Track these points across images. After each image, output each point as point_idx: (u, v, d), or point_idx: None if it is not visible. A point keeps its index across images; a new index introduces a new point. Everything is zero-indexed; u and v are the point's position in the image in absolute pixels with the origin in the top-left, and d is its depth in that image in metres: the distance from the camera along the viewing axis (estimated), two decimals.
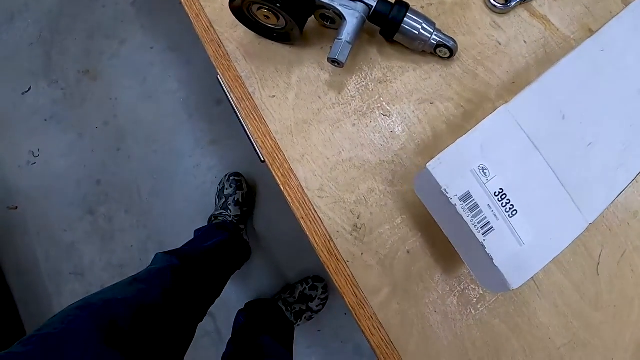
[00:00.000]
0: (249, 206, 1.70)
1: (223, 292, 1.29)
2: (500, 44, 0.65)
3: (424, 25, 0.59)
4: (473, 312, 0.57)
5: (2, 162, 1.86)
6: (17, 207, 1.81)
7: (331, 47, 0.57)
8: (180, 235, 1.55)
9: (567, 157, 0.49)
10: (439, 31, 0.61)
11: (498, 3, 0.66)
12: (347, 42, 0.56)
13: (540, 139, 0.49)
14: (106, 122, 1.83)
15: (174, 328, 0.95)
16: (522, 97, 0.50)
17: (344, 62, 0.57)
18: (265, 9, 0.56)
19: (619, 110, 0.52)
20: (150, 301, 0.91)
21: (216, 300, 1.23)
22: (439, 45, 0.60)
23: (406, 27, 0.59)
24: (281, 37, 0.63)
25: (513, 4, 0.66)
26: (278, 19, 0.57)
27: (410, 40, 0.60)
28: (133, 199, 1.78)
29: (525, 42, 0.66)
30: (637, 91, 0.53)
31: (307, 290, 1.59)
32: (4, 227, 1.80)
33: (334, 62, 0.57)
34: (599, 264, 0.60)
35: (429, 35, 0.59)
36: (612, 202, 0.49)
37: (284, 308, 1.54)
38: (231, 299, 1.61)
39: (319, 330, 1.64)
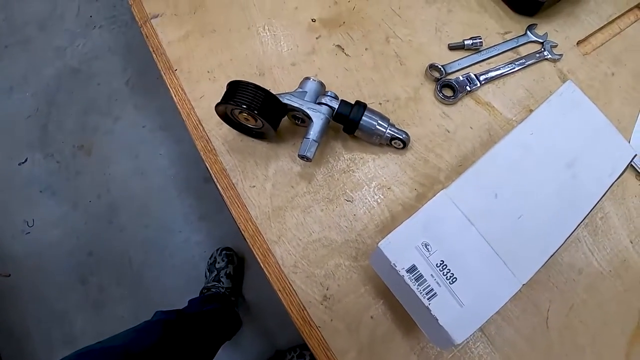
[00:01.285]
0: (239, 279, 1.74)
1: None
2: (449, 132, 0.74)
3: (379, 121, 0.68)
4: None
5: None
6: (9, 275, 1.83)
7: (301, 144, 0.65)
8: (170, 306, 1.54)
9: (500, 229, 0.56)
10: (393, 125, 0.69)
11: (447, 96, 0.76)
12: (314, 140, 0.65)
13: (475, 216, 0.56)
14: (99, 195, 1.88)
15: None
16: (458, 182, 0.59)
17: (311, 158, 0.65)
18: (245, 113, 0.64)
19: (548, 184, 0.60)
20: (140, 350, 0.96)
21: None
22: (393, 138, 0.69)
23: (364, 124, 0.67)
24: (259, 135, 0.71)
25: (460, 95, 0.75)
26: (256, 121, 0.66)
27: (369, 135, 0.69)
28: (124, 271, 1.80)
29: (471, 127, 0.75)
30: (564, 165, 0.61)
31: (295, 358, 1.61)
32: None
33: (303, 157, 0.65)
34: (547, 318, 0.66)
35: (384, 130, 0.68)
36: (544, 264, 0.56)
37: None
38: None
39: None
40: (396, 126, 0.70)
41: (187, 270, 1.80)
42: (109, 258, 1.83)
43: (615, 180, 0.63)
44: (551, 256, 0.57)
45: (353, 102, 0.68)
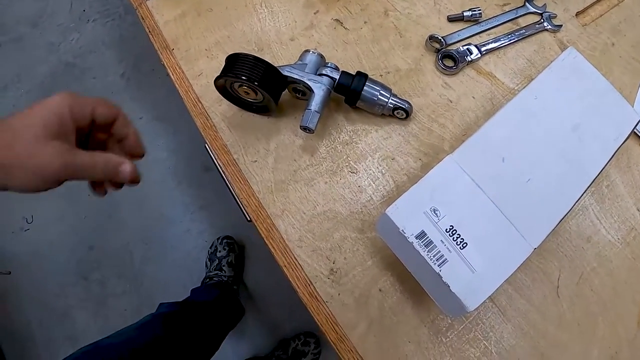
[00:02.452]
0: (240, 268, 1.74)
1: (218, 352, 1.30)
2: (451, 102, 0.74)
3: (381, 92, 0.67)
4: (444, 339, 0.62)
5: None
6: (10, 272, 1.81)
7: (302, 116, 0.64)
8: (173, 299, 1.54)
9: (509, 193, 0.56)
10: (395, 96, 0.69)
11: (448, 66, 0.75)
12: (316, 111, 0.64)
13: (483, 180, 0.56)
14: None
15: None
16: (464, 147, 0.58)
17: (313, 129, 0.64)
18: (245, 86, 0.63)
19: (554, 148, 0.60)
20: (146, 344, 0.97)
21: None
22: (396, 108, 0.69)
23: (366, 94, 0.67)
24: (260, 109, 0.70)
25: (461, 65, 0.75)
26: (256, 94, 0.65)
27: (371, 106, 0.68)
28: (125, 265, 1.80)
29: (473, 97, 0.75)
30: (570, 129, 0.61)
31: (300, 346, 1.61)
32: None
33: (305, 129, 0.64)
34: (558, 287, 0.66)
35: (386, 100, 0.68)
36: (555, 227, 0.55)
37: None
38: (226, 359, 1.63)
39: None
40: (398, 96, 0.70)
41: (188, 261, 1.79)
42: (110, 252, 1.82)
43: (621, 145, 0.62)
44: (560, 221, 0.56)
45: (354, 73, 0.68)
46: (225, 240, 1.73)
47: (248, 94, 0.65)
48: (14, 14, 2.21)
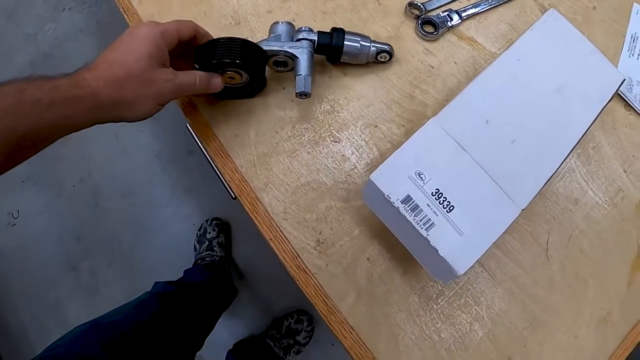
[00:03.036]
0: (228, 248, 1.74)
1: (212, 334, 1.31)
2: (433, 67, 0.73)
3: (361, 41, 0.67)
4: (435, 306, 0.62)
5: None
6: None
7: (296, 83, 0.63)
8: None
9: (494, 154, 0.55)
10: (375, 41, 0.69)
11: (428, 32, 0.74)
12: (307, 75, 0.63)
13: (468, 142, 0.55)
14: (82, 179, 1.86)
15: (171, 349, 1.00)
16: (447, 110, 0.57)
17: (310, 92, 0.63)
18: (230, 71, 0.61)
19: (538, 109, 0.59)
20: (146, 321, 0.97)
21: (205, 342, 1.24)
22: (379, 52, 0.68)
23: (348, 47, 0.66)
24: (244, 93, 0.68)
25: (441, 31, 0.74)
26: (241, 76, 0.62)
27: (354, 57, 0.68)
28: (114, 252, 1.79)
29: (455, 62, 0.74)
30: (554, 89, 0.60)
31: (293, 324, 1.62)
32: None
33: (301, 94, 0.63)
34: (547, 249, 0.66)
35: (369, 46, 0.67)
36: (542, 188, 0.55)
37: (272, 344, 1.56)
38: (220, 340, 1.62)
39: None
40: (377, 41, 0.69)
41: (178, 245, 1.79)
42: (98, 241, 1.81)
43: (605, 106, 0.61)
44: (547, 181, 0.56)
45: (329, 31, 0.67)
46: (214, 222, 1.73)
47: (233, 79, 0.63)
48: None
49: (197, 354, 1.16)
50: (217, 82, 0.60)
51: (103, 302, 1.73)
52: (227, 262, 1.70)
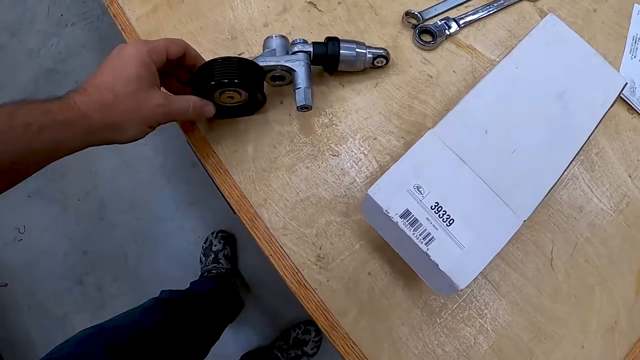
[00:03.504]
0: (234, 260, 1.74)
1: (218, 346, 1.30)
2: (431, 77, 0.73)
3: (356, 48, 0.67)
4: (438, 320, 0.61)
5: None
6: (6, 284, 1.81)
7: (295, 97, 0.63)
8: None
9: (494, 165, 0.54)
10: (370, 47, 0.68)
11: (426, 41, 0.73)
12: (306, 87, 0.63)
13: (467, 153, 0.54)
14: (87, 193, 1.86)
15: (176, 356, 1.00)
16: (446, 121, 0.56)
17: (311, 104, 0.63)
18: (228, 91, 0.60)
19: (539, 117, 0.58)
20: (152, 326, 0.97)
21: (212, 354, 1.23)
22: (375, 57, 0.68)
23: (344, 55, 0.66)
24: (243, 111, 0.68)
25: (439, 39, 0.74)
26: (240, 95, 0.62)
27: (352, 64, 0.68)
28: (120, 266, 1.79)
29: (454, 71, 0.73)
30: (554, 96, 0.59)
31: (300, 334, 1.61)
32: None
33: (303, 108, 0.63)
34: (552, 259, 0.65)
35: (365, 52, 0.67)
36: (544, 198, 0.54)
37: (279, 355, 1.55)
38: (227, 352, 1.61)
39: None
40: (372, 46, 0.69)
41: (183, 258, 1.78)
42: (104, 255, 1.81)
43: (607, 110, 0.61)
44: (549, 191, 0.55)
45: (324, 41, 0.67)
46: (220, 234, 1.73)
47: (232, 98, 0.63)
48: None
49: None
50: (209, 109, 0.60)
51: (109, 316, 1.70)
52: (234, 274, 1.70)
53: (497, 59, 0.74)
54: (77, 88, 0.51)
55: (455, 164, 0.54)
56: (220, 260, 1.65)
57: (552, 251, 0.66)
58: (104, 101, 0.50)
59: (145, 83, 0.52)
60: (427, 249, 0.50)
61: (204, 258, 1.70)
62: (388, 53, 0.69)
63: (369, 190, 0.52)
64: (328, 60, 0.66)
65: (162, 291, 1.24)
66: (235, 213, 0.67)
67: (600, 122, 0.60)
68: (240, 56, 0.60)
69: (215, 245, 1.69)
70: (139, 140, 0.57)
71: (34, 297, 1.79)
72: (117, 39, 0.69)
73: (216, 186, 0.71)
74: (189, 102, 0.57)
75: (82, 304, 1.77)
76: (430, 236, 0.50)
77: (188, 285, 1.51)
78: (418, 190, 0.52)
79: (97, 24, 2.12)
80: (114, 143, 0.54)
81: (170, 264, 1.79)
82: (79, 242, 1.83)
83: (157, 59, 0.55)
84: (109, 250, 1.81)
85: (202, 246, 1.75)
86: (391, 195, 0.52)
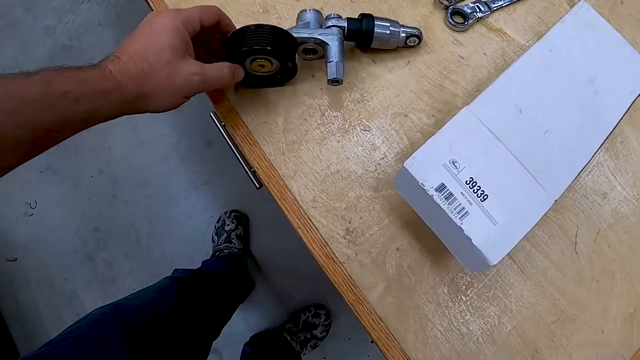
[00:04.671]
0: (248, 241, 1.74)
1: (228, 326, 1.31)
2: (462, 58, 0.72)
3: (391, 26, 0.66)
4: (464, 298, 0.62)
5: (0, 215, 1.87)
6: (16, 259, 1.82)
7: (327, 70, 0.63)
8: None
9: (528, 144, 0.55)
10: (404, 25, 0.68)
11: (457, 22, 0.73)
12: (339, 61, 0.62)
13: (502, 131, 0.55)
14: (101, 170, 1.87)
15: (189, 337, 1.00)
16: (481, 98, 0.57)
17: (342, 78, 0.63)
18: (259, 59, 0.60)
19: (571, 100, 0.59)
20: (166, 309, 0.97)
21: (221, 334, 1.24)
22: (409, 36, 0.68)
23: (378, 32, 0.66)
24: (274, 81, 0.68)
25: (470, 21, 0.73)
26: (272, 63, 0.62)
27: (385, 42, 0.67)
28: (132, 244, 1.80)
29: (484, 54, 0.73)
30: (586, 81, 0.60)
31: (310, 318, 1.61)
32: (4, 279, 1.80)
33: (334, 81, 0.63)
34: (576, 243, 0.66)
35: (398, 31, 0.67)
36: (574, 180, 0.55)
37: (289, 337, 1.56)
38: (236, 332, 1.63)
39: (324, 358, 1.67)
40: (406, 25, 0.69)
41: (195, 237, 1.79)
42: (116, 232, 1.82)
43: (636, 98, 0.61)
44: (579, 173, 0.56)
45: (358, 17, 0.67)
46: (233, 214, 1.73)
47: (263, 67, 0.62)
48: None
49: (214, 343, 1.16)
50: (240, 73, 0.60)
51: (119, 293, 1.70)
52: (245, 255, 1.70)
53: (527, 44, 0.74)
54: (110, 56, 0.51)
55: (490, 141, 0.54)
56: (233, 240, 1.65)
57: (576, 235, 0.66)
58: (138, 71, 0.49)
59: (179, 53, 0.52)
60: (461, 224, 0.50)
61: (216, 237, 1.71)
62: (421, 33, 0.69)
63: (404, 163, 0.52)
64: (362, 36, 0.66)
65: (176, 269, 1.25)
66: (259, 188, 0.67)
67: (629, 108, 0.60)
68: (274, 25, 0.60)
69: (228, 225, 1.70)
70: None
71: (44, 272, 1.80)
72: (134, 16, 0.68)
73: (240, 160, 0.71)
74: (222, 68, 0.57)
75: (92, 280, 1.78)
76: (465, 211, 0.51)
77: (199, 264, 1.52)
78: (453, 164, 0.52)
79: (115, 1, 2.10)
80: (147, 112, 0.54)
81: (182, 242, 1.80)
82: (91, 219, 1.84)
83: (191, 29, 0.54)
84: (121, 227, 1.82)
85: (215, 225, 1.75)
86: (427, 169, 0.52)
